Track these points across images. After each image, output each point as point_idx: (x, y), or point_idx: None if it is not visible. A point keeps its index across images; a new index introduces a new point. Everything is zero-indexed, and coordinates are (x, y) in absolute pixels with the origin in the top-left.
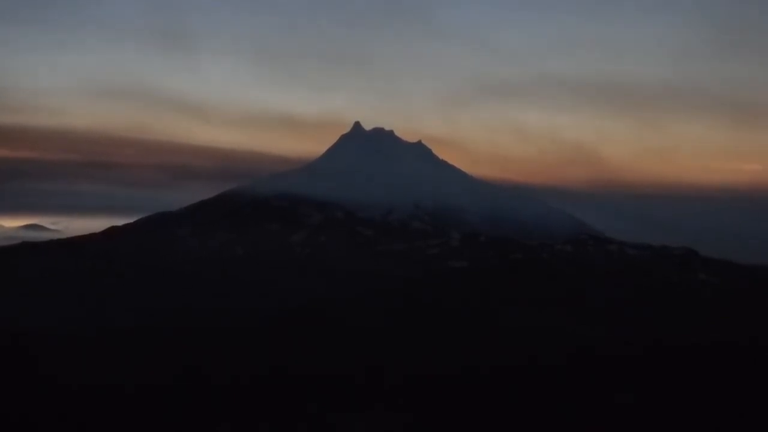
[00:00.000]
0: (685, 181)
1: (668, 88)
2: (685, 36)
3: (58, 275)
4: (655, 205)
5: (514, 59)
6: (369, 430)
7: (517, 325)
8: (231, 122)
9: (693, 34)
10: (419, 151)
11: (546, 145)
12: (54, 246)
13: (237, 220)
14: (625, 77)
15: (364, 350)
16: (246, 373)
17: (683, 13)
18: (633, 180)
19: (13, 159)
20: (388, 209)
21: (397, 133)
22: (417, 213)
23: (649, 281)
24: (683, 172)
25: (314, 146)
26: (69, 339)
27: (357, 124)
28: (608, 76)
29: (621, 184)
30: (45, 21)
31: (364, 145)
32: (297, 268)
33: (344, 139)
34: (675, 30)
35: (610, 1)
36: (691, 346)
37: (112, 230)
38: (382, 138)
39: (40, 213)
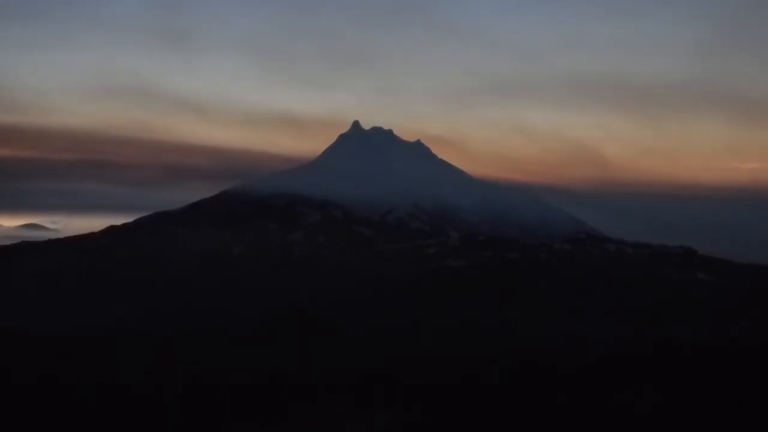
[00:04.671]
0: (685, 179)
1: (669, 87)
2: (685, 36)
3: (57, 274)
4: (654, 204)
5: (516, 57)
6: (368, 430)
7: (516, 325)
8: (231, 121)
9: (693, 34)
10: (418, 150)
11: (548, 143)
12: (53, 245)
13: (236, 219)
14: (627, 76)
15: (362, 350)
16: (244, 373)
17: (685, 13)
18: (633, 179)
19: (12, 158)
20: (387, 209)
21: (398, 132)
22: (415, 212)
23: (648, 280)
24: (683, 171)
25: (314, 145)
26: (67, 338)
27: (356, 123)
28: (610, 75)
29: (621, 183)
30: (45, 20)
31: (363, 144)
32: (295, 267)
33: (343, 139)
34: (676, 30)
35: (611, 0)
36: (689, 345)
37: (112, 229)
38: (381, 137)
39: (39, 212)
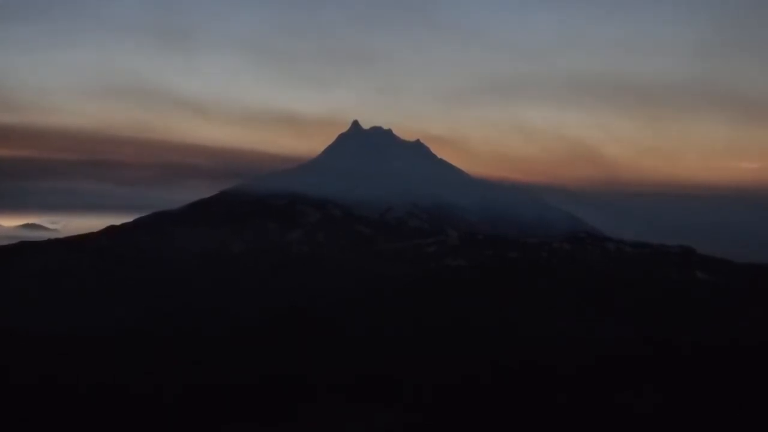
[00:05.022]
0: (685, 179)
1: (669, 87)
2: (685, 36)
3: (57, 274)
4: (653, 203)
5: (516, 57)
6: (368, 430)
7: (516, 325)
8: (230, 120)
9: (693, 33)
10: (417, 149)
11: (548, 143)
12: (53, 245)
13: (235, 219)
14: (627, 76)
15: (362, 350)
16: (244, 373)
17: (685, 13)
18: (632, 178)
19: (11, 158)
20: (386, 208)
21: (397, 131)
22: (415, 211)
23: (648, 280)
24: (683, 170)
25: (314, 145)
26: (67, 338)
27: (355, 123)
28: (610, 75)
29: (620, 183)
30: (45, 19)
31: (363, 143)
32: (295, 266)
33: (342, 138)
34: (676, 30)
35: (611, 0)
36: (689, 345)
37: (111, 229)
38: (381, 137)
39: (38, 212)
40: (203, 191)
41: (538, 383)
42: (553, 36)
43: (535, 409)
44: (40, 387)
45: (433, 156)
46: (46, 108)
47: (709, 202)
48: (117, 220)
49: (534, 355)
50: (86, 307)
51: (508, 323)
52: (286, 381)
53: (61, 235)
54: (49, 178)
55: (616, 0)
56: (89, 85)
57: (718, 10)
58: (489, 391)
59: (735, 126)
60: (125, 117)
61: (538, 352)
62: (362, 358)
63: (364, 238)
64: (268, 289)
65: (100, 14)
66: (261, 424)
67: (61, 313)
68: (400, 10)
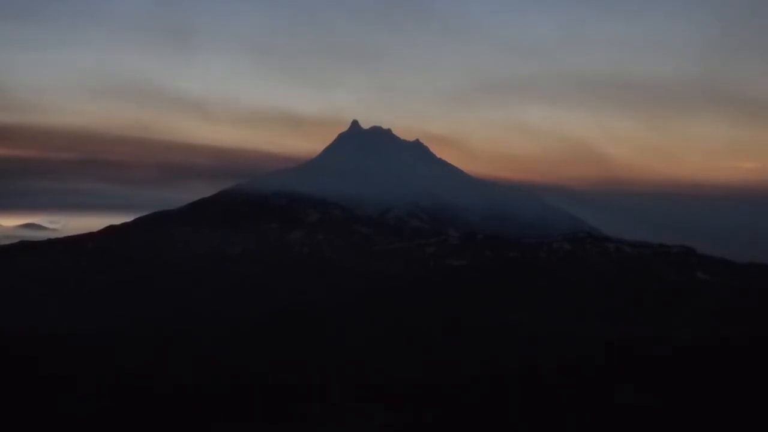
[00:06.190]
0: (685, 179)
1: (670, 86)
2: (687, 35)
3: (57, 274)
4: (653, 203)
5: (516, 56)
6: (368, 430)
7: (515, 324)
8: (230, 120)
9: (695, 33)
10: (417, 149)
11: (548, 143)
12: (52, 245)
13: (235, 219)
14: (628, 76)
15: (362, 350)
16: (244, 372)
17: (686, 12)
18: (633, 178)
19: (11, 157)
20: (386, 208)
21: (397, 131)
22: (415, 211)
23: (647, 279)
24: (683, 170)
25: (313, 144)
26: (66, 338)
27: (355, 123)
28: (611, 75)
29: (621, 182)
30: (45, 18)
31: (362, 143)
32: (295, 266)
33: (342, 138)
34: (677, 29)
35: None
36: (688, 344)
37: (111, 229)
38: (380, 136)
39: (38, 212)
40: (203, 191)
41: (538, 383)
42: (554, 36)
43: (535, 409)
44: (40, 386)
45: (433, 156)
46: (46, 108)
47: (709, 202)
48: (117, 220)
49: (534, 355)
50: (86, 306)
51: (508, 323)
52: (287, 381)
53: (60, 235)
54: (49, 178)
55: (617, 0)
56: (89, 85)
57: (719, 10)
58: (489, 390)
59: (736, 126)
60: (125, 117)
61: (538, 352)
62: (362, 358)
63: (364, 238)
64: (268, 290)
65: (100, 14)
66: (261, 424)
67: (60, 313)
68: (401, 10)
